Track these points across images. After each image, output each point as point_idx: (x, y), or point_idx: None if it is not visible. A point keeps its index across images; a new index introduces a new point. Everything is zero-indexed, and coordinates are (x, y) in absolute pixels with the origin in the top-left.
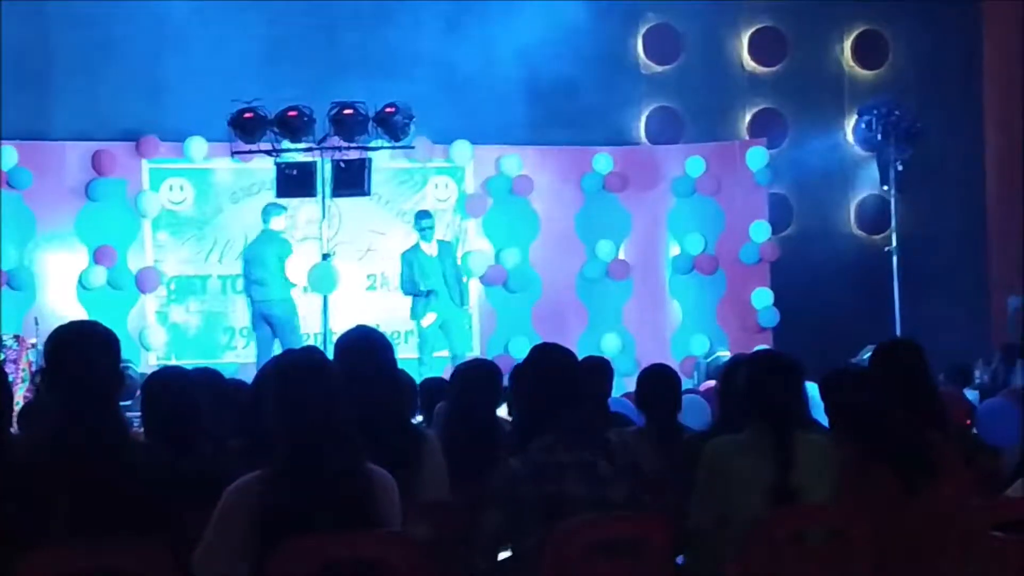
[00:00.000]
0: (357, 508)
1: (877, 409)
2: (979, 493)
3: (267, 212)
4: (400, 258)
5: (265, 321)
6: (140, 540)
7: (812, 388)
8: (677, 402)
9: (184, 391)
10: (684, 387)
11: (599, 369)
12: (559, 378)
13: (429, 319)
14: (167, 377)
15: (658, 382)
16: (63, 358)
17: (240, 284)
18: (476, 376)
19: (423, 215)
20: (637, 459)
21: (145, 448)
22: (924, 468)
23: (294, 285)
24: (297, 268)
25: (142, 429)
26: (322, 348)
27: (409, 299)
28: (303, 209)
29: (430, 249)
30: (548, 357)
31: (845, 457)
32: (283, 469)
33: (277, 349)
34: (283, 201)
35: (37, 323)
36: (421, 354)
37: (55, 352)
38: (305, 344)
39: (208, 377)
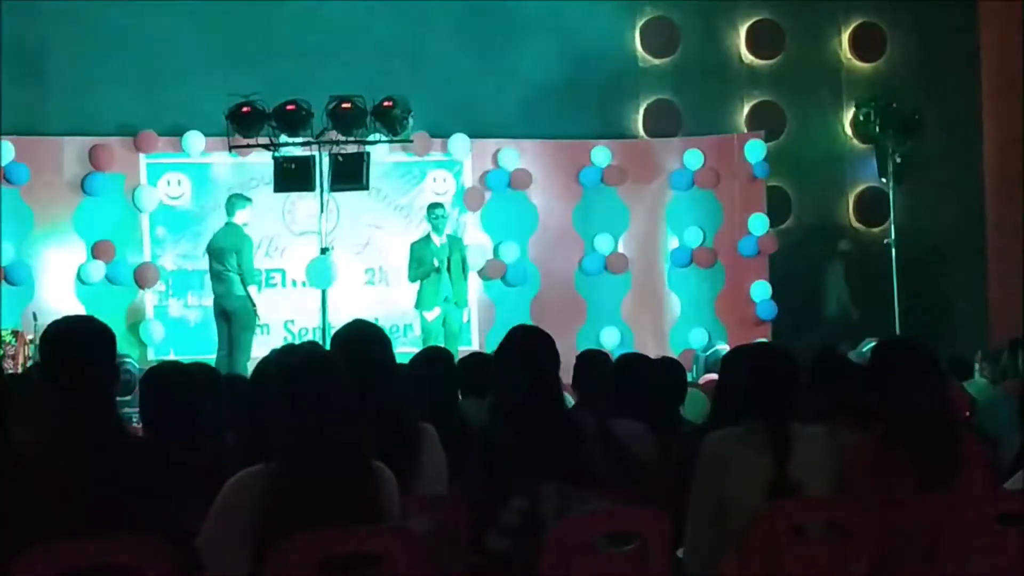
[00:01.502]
0: (358, 503)
1: (907, 395)
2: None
3: (231, 204)
4: (410, 248)
5: (223, 316)
6: (142, 534)
7: None
8: (681, 396)
9: (182, 386)
10: None
11: (673, 372)
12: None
13: (434, 313)
14: (165, 372)
15: (665, 376)
16: (58, 354)
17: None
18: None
19: (436, 207)
20: (636, 454)
21: (142, 442)
22: (947, 460)
23: (255, 281)
24: (256, 261)
25: (140, 424)
26: (321, 342)
27: (415, 288)
28: (301, 203)
29: (440, 241)
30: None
31: (862, 442)
32: (284, 464)
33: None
34: (252, 193)
35: (35, 318)
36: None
37: (49, 348)
38: (276, 341)
39: (206, 372)
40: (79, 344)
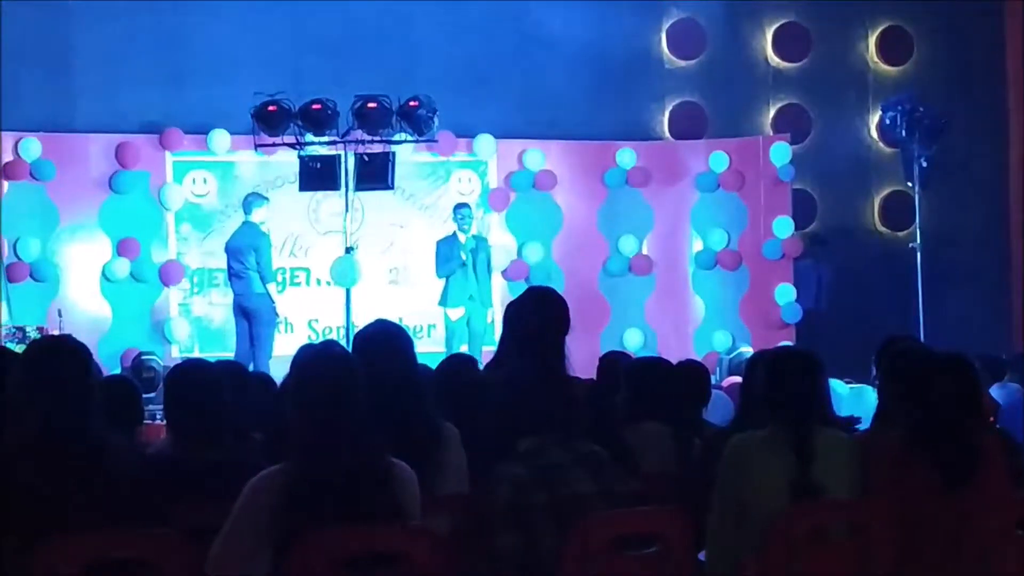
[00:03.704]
0: (378, 501)
1: (934, 396)
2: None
3: (248, 203)
4: (436, 244)
5: (242, 314)
6: (160, 531)
7: (837, 385)
8: (705, 399)
9: (207, 383)
10: None
11: (696, 375)
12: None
13: (458, 312)
14: (190, 369)
15: (688, 378)
16: (31, 373)
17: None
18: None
19: (462, 206)
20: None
21: (124, 451)
22: (968, 463)
23: (272, 279)
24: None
25: (165, 422)
26: (344, 342)
27: (438, 287)
28: (326, 203)
29: (465, 240)
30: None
31: (886, 443)
32: (304, 462)
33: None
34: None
35: (60, 315)
36: (448, 348)
37: (25, 368)
38: (318, 339)
39: (231, 369)
40: (50, 365)
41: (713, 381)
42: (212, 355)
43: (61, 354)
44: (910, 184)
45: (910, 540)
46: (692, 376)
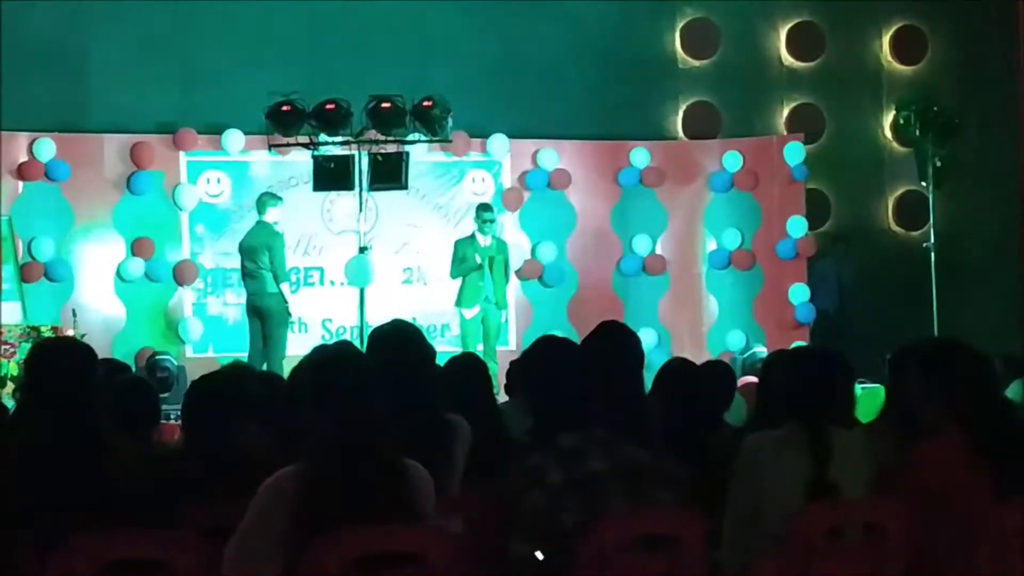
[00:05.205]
0: (393, 502)
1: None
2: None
3: (262, 203)
4: (454, 244)
5: (256, 314)
6: (172, 531)
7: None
8: (728, 399)
9: (222, 386)
10: None
11: (722, 376)
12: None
13: (473, 312)
14: (208, 375)
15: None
16: (36, 375)
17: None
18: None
19: (485, 208)
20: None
21: (131, 451)
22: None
23: (286, 279)
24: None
25: (180, 422)
26: (358, 341)
27: (454, 287)
28: (340, 202)
29: (485, 242)
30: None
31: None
32: (319, 463)
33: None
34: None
35: (75, 315)
36: (463, 348)
37: (29, 369)
38: (327, 339)
39: (245, 371)
40: (56, 367)
41: None
42: (226, 355)
43: (64, 355)
44: (924, 183)
45: (928, 541)
46: (719, 377)
